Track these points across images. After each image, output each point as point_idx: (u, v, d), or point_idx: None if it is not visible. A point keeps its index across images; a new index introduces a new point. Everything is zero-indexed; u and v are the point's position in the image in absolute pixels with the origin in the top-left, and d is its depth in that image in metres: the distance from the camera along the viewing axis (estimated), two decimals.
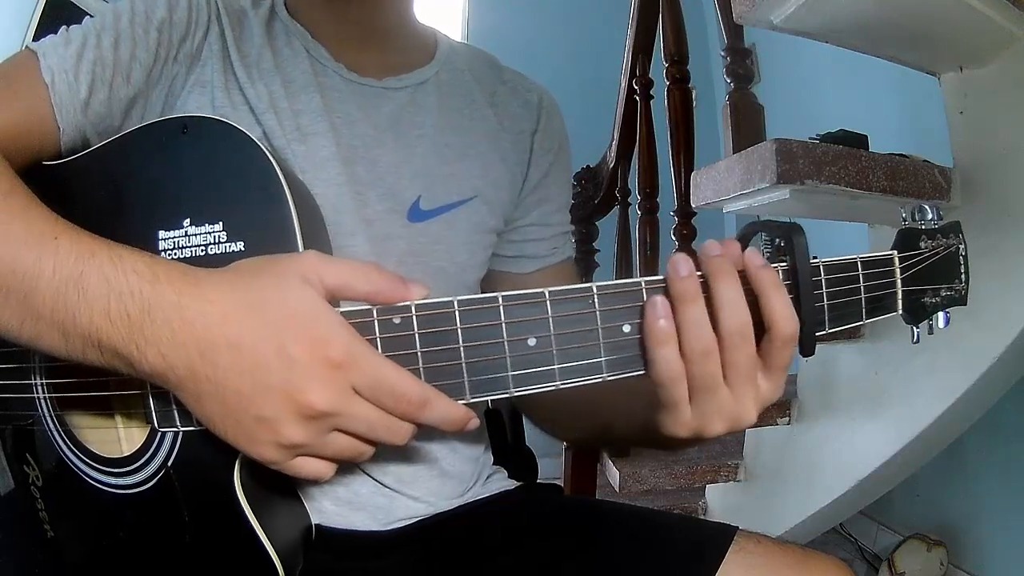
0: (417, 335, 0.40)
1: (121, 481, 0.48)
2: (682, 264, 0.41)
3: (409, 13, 0.67)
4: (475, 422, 0.41)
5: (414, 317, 0.40)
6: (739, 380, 0.42)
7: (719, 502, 1.59)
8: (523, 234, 0.70)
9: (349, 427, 0.39)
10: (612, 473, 1.53)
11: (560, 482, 1.55)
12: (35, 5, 2.19)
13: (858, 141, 1.20)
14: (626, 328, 0.41)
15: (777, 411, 1.41)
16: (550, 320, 0.40)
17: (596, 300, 0.41)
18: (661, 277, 0.42)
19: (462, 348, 0.40)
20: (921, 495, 1.84)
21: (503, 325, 0.40)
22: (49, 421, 0.51)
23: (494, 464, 0.72)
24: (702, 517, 1.61)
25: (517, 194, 0.69)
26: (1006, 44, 1.04)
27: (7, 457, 0.55)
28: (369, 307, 0.40)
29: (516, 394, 0.41)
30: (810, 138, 1.16)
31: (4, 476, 0.55)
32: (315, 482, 0.43)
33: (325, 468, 0.41)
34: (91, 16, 0.54)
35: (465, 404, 0.41)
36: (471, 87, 0.68)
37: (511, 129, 0.68)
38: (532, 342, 0.40)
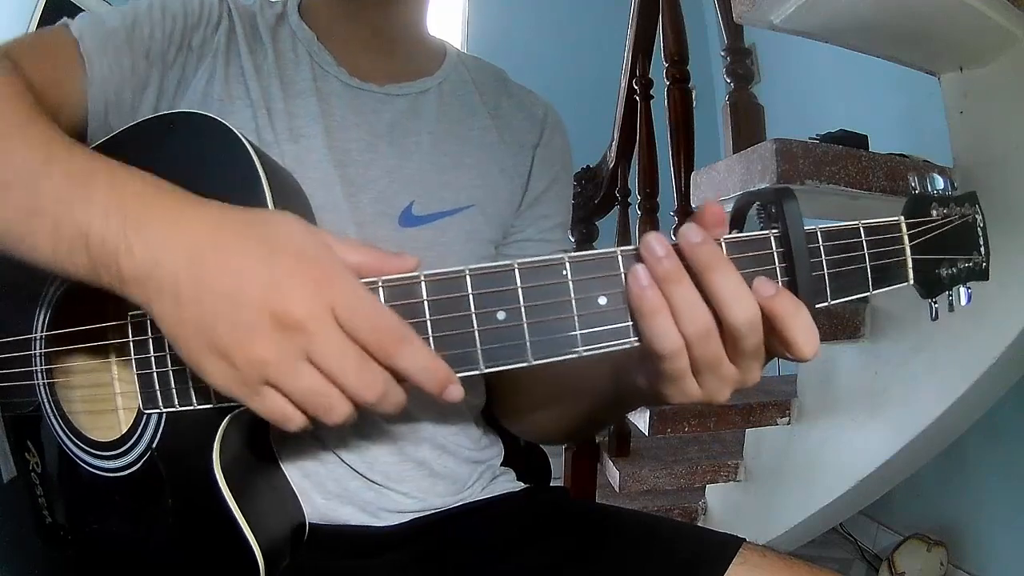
0: None
1: (110, 464, 0.49)
2: (656, 244, 0.38)
3: (420, 22, 0.67)
4: (457, 389, 0.39)
5: (380, 290, 0.39)
6: (746, 358, 0.40)
7: (719, 502, 1.59)
8: (520, 248, 0.69)
9: (321, 353, 0.37)
10: (612, 473, 1.53)
11: (560, 482, 1.54)
12: (35, 5, 2.19)
13: (858, 141, 1.20)
14: (602, 300, 0.39)
15: (777, 411, 1.41)
16: (519, 292, 0.39)
17: (568, 270, 0.39)
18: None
19: (429, 322, 0.39)
20: (921, 495, 1.84)
21: (470, 298, 0.39)
22: (48, 407, 0.52)
23: (503, 465, 0.71)
24: (702, 517, 1.62)
25: (516, 207, 0.69)
26: (1006, 44, 1.04)
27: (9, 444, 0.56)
28: None
29: (487, 371, 0.39)
30: (810, 138, 1.17)
31: (7, 463, 0.56)
32: (287, 434, 0.40)
33: (292, 412, 0.38)
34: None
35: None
36: (473, 99, 0.69)
37: (513, 142, 0.69)
38: (501, 316, 0.39)
